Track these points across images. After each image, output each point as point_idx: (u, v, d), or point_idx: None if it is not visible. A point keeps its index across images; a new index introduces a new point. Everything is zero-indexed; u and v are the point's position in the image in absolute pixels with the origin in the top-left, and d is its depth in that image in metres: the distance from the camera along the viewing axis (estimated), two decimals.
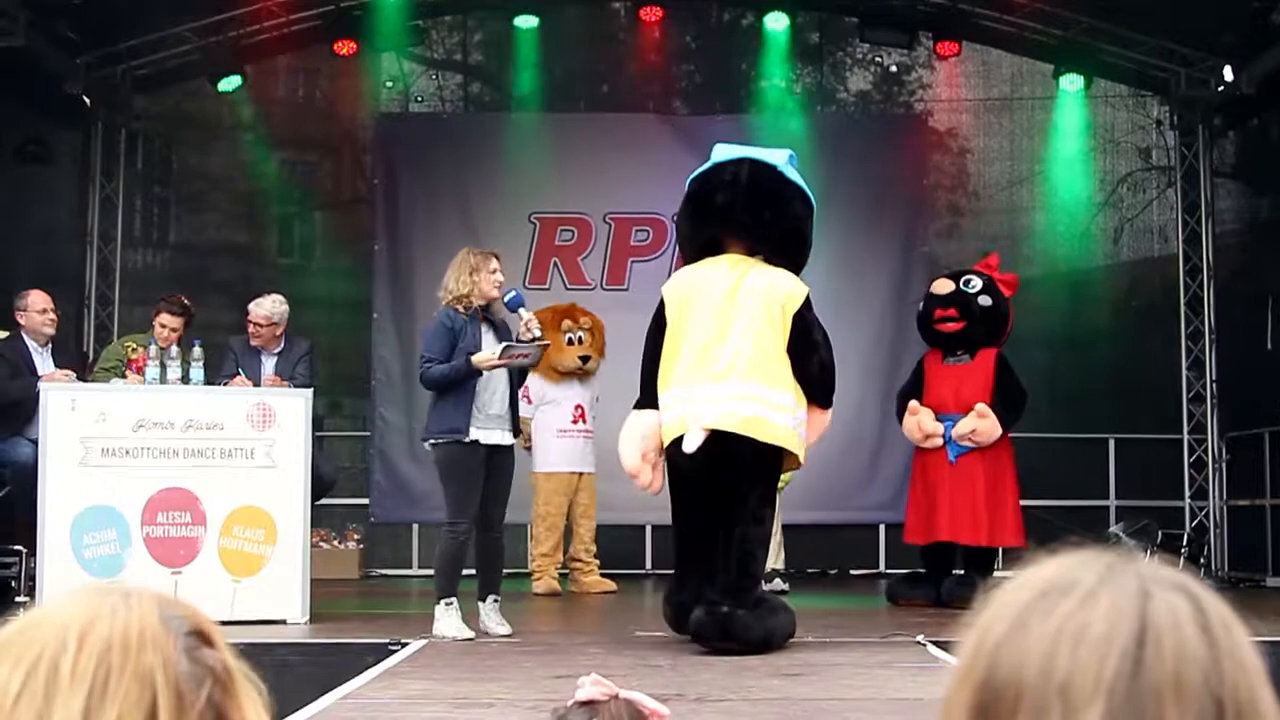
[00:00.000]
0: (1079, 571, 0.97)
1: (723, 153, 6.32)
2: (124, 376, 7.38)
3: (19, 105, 9.87)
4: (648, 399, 6.16)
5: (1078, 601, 0.94)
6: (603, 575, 9.49)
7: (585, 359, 9.33)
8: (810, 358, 6.04)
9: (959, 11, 10.95)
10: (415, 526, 10.84)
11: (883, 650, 5.95)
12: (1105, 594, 0.94)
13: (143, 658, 0.99)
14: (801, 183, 6.26)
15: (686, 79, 12.29)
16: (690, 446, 5.80)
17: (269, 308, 7.91)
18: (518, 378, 6.70)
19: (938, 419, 8.20)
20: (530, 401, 9.33)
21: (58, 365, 7.75)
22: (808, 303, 6.07)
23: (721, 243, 6.24)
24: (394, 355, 11.04)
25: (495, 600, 6.59)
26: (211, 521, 6.86)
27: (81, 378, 7.64)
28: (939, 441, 8.18)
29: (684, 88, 12.22)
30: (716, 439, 5.81)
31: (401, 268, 11.04)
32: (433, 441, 6.45)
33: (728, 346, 5.94)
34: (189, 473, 6.84)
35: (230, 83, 10.84)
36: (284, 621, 6.84)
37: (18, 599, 7.15)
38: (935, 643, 5.99)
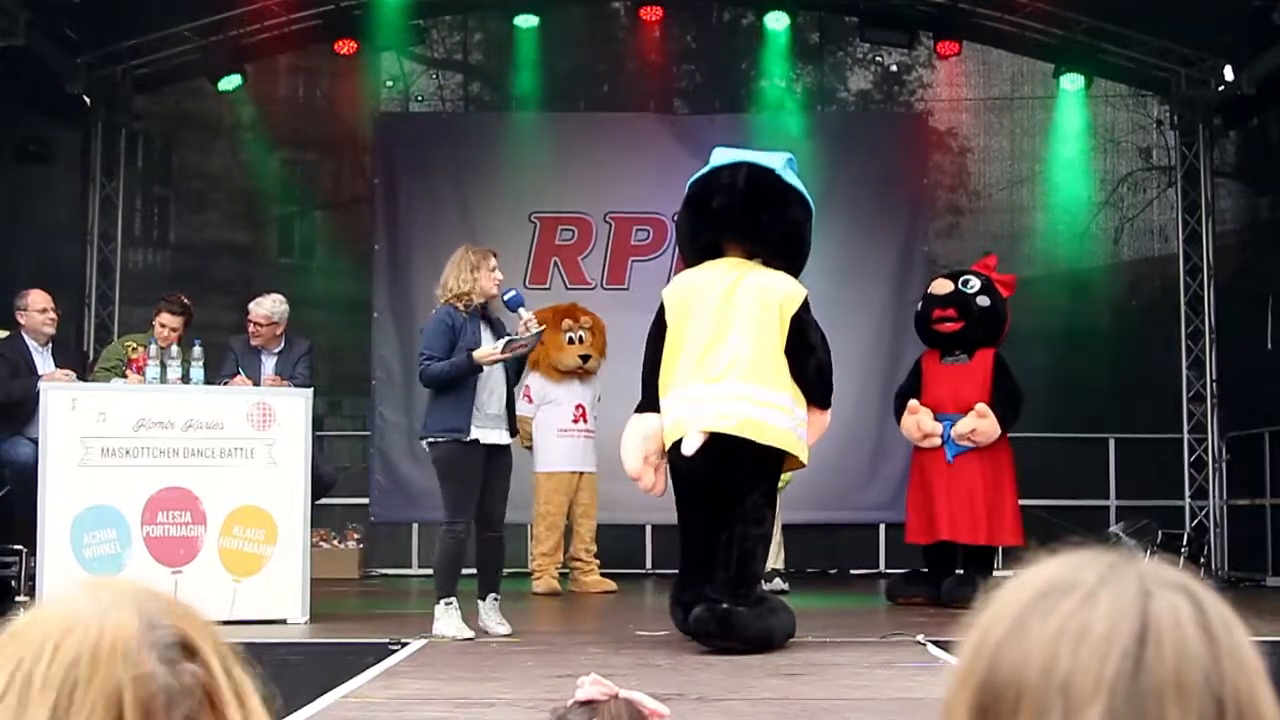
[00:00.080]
0: (1080, 571, 0.97)
1: (721, 156, 6.35)
2: (124, 376, 7.38)
3: (19, 105, 9.87)
4: (649, 402, 6.20)
5: (1078, 601, 0.94)
6: (603, 575, 9.49)
7: (585, 358, 9.33)
8: (807, 359, 6.06)
9: (959, 11, 10.95)
10: (415, 526, 10.84)
11: (883, 650, 5.95)
12: (1106, 594, 0.94)
13: (111, 671, 0.97)
14: (800, 186, 6.28)
15: (686, 79, 12.29)
16: (689, 449, 5.83)
17: (269, 307, 7.91)
18: (514, 377, 6.70)
19: (935, 419, 8.21)
20: (531, 401, 9.34)
21: (58, 365, 7.75)
22: (805, 304, 6.10)
23: (721, 246, 6.28)
24: (394, 355, 11.05)
25: (495, 599, 6.60)
26: (211, 521, 6.86)
27: (81, 377, 7.64)
28: (937, 441, 8.19)
29: (684, 87, 12.22)
30: (715, 440, 5.83)
31: (401, 267, 11.04)
32: (431, 440, 6.45)
33: (726, 348, 5.97)
34: (189, 472, 6.84)
35: (230, 82, 10.83)
36: (284, 621, 6.84)
37: (18, 599, 7.15)
38: (935, 642, 5.99)
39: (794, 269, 6.29)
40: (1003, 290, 8.50)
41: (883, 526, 10.85)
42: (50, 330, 7.93)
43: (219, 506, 6.87)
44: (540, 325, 6.63)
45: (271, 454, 6.93)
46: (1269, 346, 10.01)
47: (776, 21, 11.06)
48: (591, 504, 9.41)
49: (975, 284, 8.44)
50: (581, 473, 9.35)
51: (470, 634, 6.33)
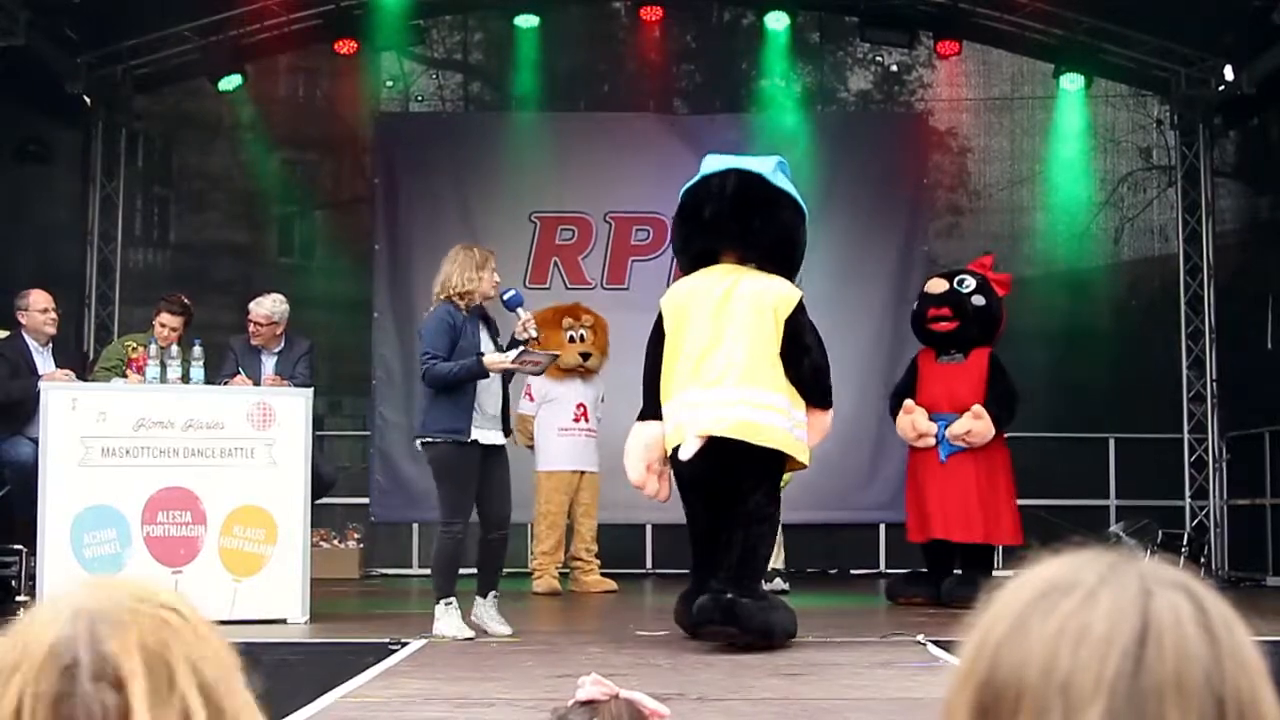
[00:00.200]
0: (1080, 571, 0.97)
1: (711, 164, 6.41)
2: (124, 376, 7.38)
3: (19, 105, 9.87)
4: (651, 409, 6.28)
5: (1079, 601, 0.94)
6: (603, 575, 9.49)
7: (586, 356, 9.33)
8: (802, 361, 6.11)
9: (959, 11, 10.95)
10: (415, 526, 10.84)
11: (883, 650, 5.94)
12: (1106, 593, 0.94)
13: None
14: (790, 189, 6.34)
15: (686, 78, 12.29)
16: (686, 454, 5.90)
17: (269, 307, 7.91)
18: (510, 376, 6.70)
19: (930, 418, 8.22)
20: (532, 399, 9.36)
21: (58, 365, 7.75)
22: (800, 306, 6.16)
23: (715, 253, 6.35)
24: (394, 354, 11.05)
25: (495, 597, 6.60)
26: (212, 521, 6.86)
27: (81, 377, 7.64)
28: (931, 441, 8.21)
29: (684, 87, 12.22)
30: (714, 444, 5.90)
31: (401, 267, 11.04)
32: (429, 440, 6.44)
33: (721, 353, 6.03)
34: (189, 472, 6.84)
35: (230, 82, 10.83)
36: (284, 621, 6.84)
37: (18, 598, 7.15)
38: (935, 642, 5.99)
39: (788, 272, 6.35)
40: (998, 290, 8.52)
41: (883, 526, 10.86)
42: (51, 330, 7.93)
43: (219, 506, 6.87)
44: (539, 337, 6.66)
45: (271, 454, 6.93)
46: (1269, 346, 10.01)
47: (776, 21, 11.07)
48: (593, 503, 9.41)
49: (971, 283, 8.46)
50: (582, 472, 9.36)
51: (470, 634, 6.33)
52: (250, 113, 11.18)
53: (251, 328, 7.92)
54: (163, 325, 7.83)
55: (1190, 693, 0.90)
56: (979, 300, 8.41)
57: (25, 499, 7.03)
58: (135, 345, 7.61)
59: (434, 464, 6.47)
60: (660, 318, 6.34)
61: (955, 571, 8.26)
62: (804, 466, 6.28)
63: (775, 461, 6.08)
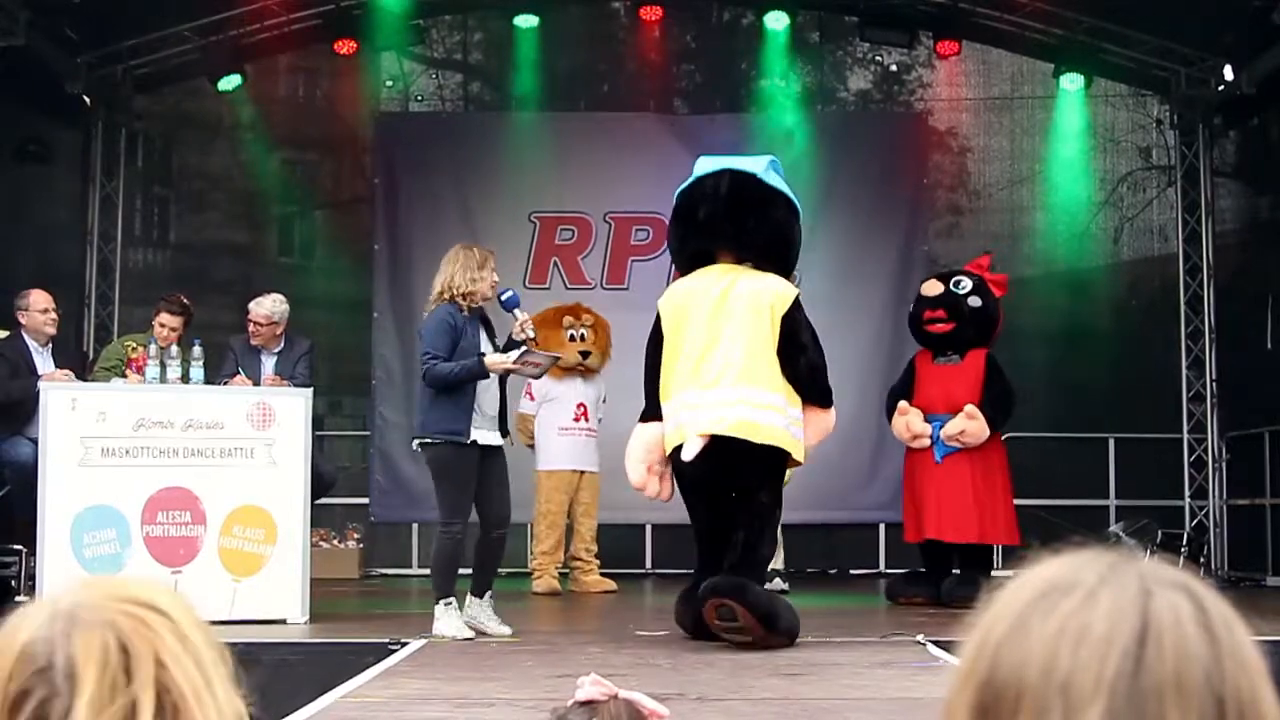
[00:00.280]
0: (1080, 571, 0.97)
1: (704, 166, 6.46)
2: (124, 376, 7.38)
3: (19, 105, 9.87)
4: (651, 411, 6.33)
5: (1079, 601, 0.94)
6: (603, 574, 9.49)
7: (586, 355, 9.34)
8: (798, 359, 6.14)
9: (959, 10, 10.95)
10: (415, 526, 10.84)
11: (883, 650, 5.94)
12: (1106, 593, 0.94)
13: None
14: (784, 187, 6.38)
15: (686, 78, 12.29)
16: (689, 454, 5.93)
17: (269, 307, 7.91)
18: (507, 377, 6.70)
19: (926, 419, 8.23)
20: (533, 398, 9.36)
21: (58, 365, 7.75)
22: (796, 304, 6.19)
23: (711, 253, 6.38)
24: (394, 354, 11.05)
25: (490, 597, 6.59)
26: (211, 521, 6.85)
27: (81, 377, 7.64)
28: (926, 442, 8.23)
29: (684, 87, 12.22)
30: (716, 444, 5.93)
31: (401, 267, 11.04)
32: (428, 441, 6.43)
33: (719, 353, 6.07)
34: (189, 472, 6.84)
35: (230, 82, 10.83)
36: (284, 621, 6.83)
37: (18, 599, 7.15)
38: (935, 642, 5.99)
39: (784, 270, 6.40)
40: (995, 290, 8.52)
41: (883, 526, 10.85)
42: (51, 330, 7.93)
43: (219, 506, 6.87)
44: (536, 339, 6.67)
45: (271, 454, 6.93)
46: (1269, 346, 10.01)
47: (776, 21, 11.07)
48: (593, 503, 9.41)
49: (967, 284, 8.46)
50: (582, 471, 9.36)
51: (470, 634, 6.33)
52: (250, 113, 11.18)
53: (251, 328, 7.92)
54: (162, 325, 7.83)
55: (1190, 692, 0.90)
56: (975, 302, 8.41)
57: (25, 499, 7.03)
58: (135, 345, 7.60)
59: (433, 464, 6.47)
60: (658, 319, 6.37)
61: (954, 571, 8.27)
62: (799, 464, 6.30)
63: (777, 460, 6.10)
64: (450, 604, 6.37)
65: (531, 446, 9.34)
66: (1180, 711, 0.90)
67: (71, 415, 6.73)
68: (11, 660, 1.01)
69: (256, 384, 7.60)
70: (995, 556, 8.93)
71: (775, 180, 6.34)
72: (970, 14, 10.99)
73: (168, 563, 6.77)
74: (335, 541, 10.48)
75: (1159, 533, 9.77)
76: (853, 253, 10.94)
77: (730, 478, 6.06)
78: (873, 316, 10.96)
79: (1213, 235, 11.07)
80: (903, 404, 8.35)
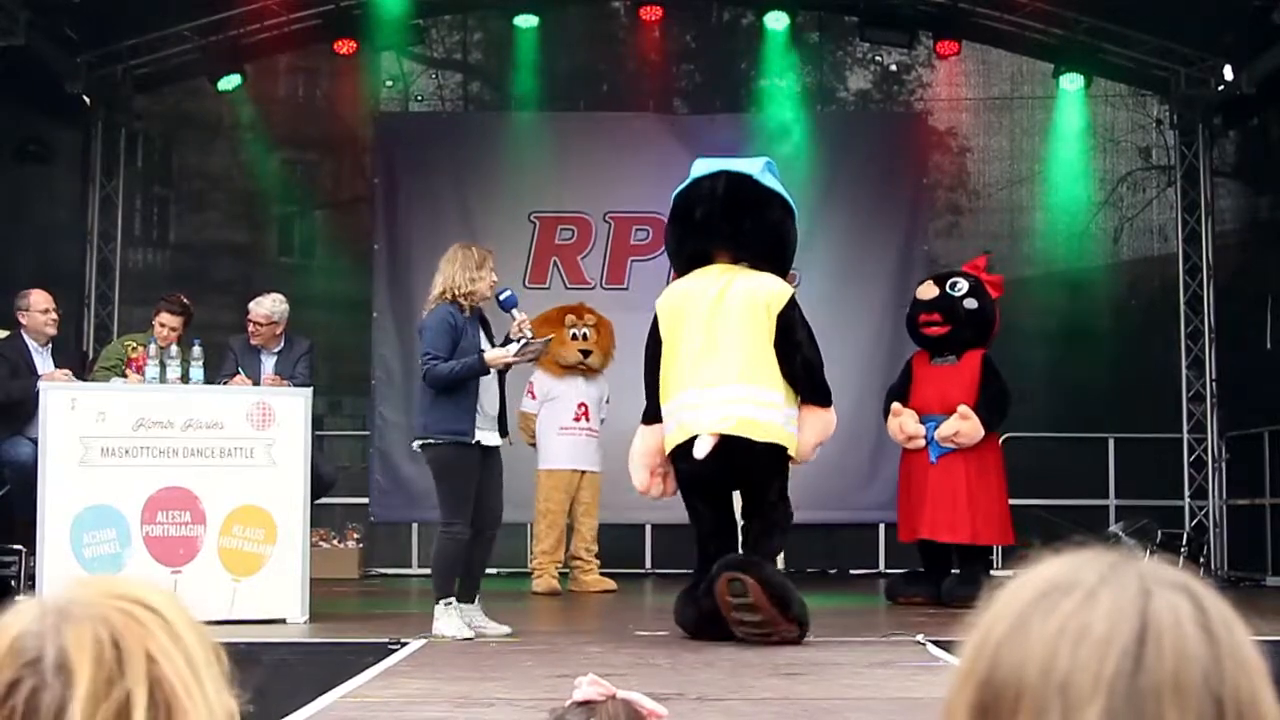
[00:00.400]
0: (1080, 571, 0.97)
1: (701, 168, 6.52)
2: (124, 376, 7.38)
3: (19, 105, 9.87)
4: (653, 413, 6.39)
5: (1079, 601, 0.94)
6: (602, 574, 9.49)
7: (587, 354, 9.34)
8: (793, 356, 6.19)
9: (959, 10, 10.95)
10: (415, 526, 10.84)
11: (883, 650, 5.95)
12: (1106, 593, 0.94)
13: None
14: (779, 188, 6.45)
15: (686, 78, 12.29)
16: (701, 452, 5.95)
17: (269, 307, 7.91)
18: (505, 376, 6.69)
19: (922, 420, 8.25)
20: (535, 397, 9.36)
21: (57, 365, 7.75)
22: (792, 302, 6.25)
23: (708, 254, 6.44)
24: (394, 354, 11.05)
25: (479, 600, 6.58)
26: (211, 521, 6.85)
27: (81, 377, 7.64)
28: (921, 443, 8.24)
29: (684, 87, 12.22)
30: (721, 443, 5.96)
31: (401, 267, 11.04)
32: (430, 441, 6.43)
33: (719, 353, 6.12)
34: (189, 472, 6.84)
35: (230, 82, 10.82)
36: (284, 621, 6.83)
37: (18, 598, 7.13)
38: (935, 642, 5.99)
39: (780, 269, 6.46)
40: (991, 291, 8.53)
41: (882, 526, 10.85)
42: (52, 331, 7.93)
43: (219, 506, 6.86)
44: (545, 337, 6.68)
45: (271, 454, 6.93)
46: (1269, 346, 10.00)
47: (776, 21, 11.07)
48: (593, 503, 9.41)
49: (963, 286, 8.47)
50: (583, 471, 9.35)
51: (470, 634, 6.32)
52: (250, 113, 11.18)
53: (251, 327, 7.92)
54: (162, 325, 7.83)
55: (1188, 693, 0.90)
56: (971, 303, 8.42)
57: (25, 499, 7.03)
58: (135, 345, 7.60)
59: (434, 464, 6.46)
60: (656, 320, 6.42)
61: (954, 571, 8.27)
62: (794, 461, 6.33)
63: (779, 457, 6.15)
64: (450, 604, 6.36)
65: (533, 445, 9.35)
66: (1179, 711, 0.90)
67: (71, 415, 6.73)
68: (0, 654, 1.01)
69: (256, 384, 7.59)
70: (995, 556, 8.93)
71: (771, 181, 6.40)
72: (970, 14, 10.99)
73: (167, 562, 6.77)
74: (335, 541, 10.48)
75: (1159, 533, 9.77)
76: (852, 253, 10.95)
77: (735, 476, 6.14)
78: (872, 316, 10.96)
79: (1212, 235, 11.07)
80: (896, 405, 8.38)
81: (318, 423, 9.16)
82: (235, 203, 11.67)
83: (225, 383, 7.52)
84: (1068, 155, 11.31)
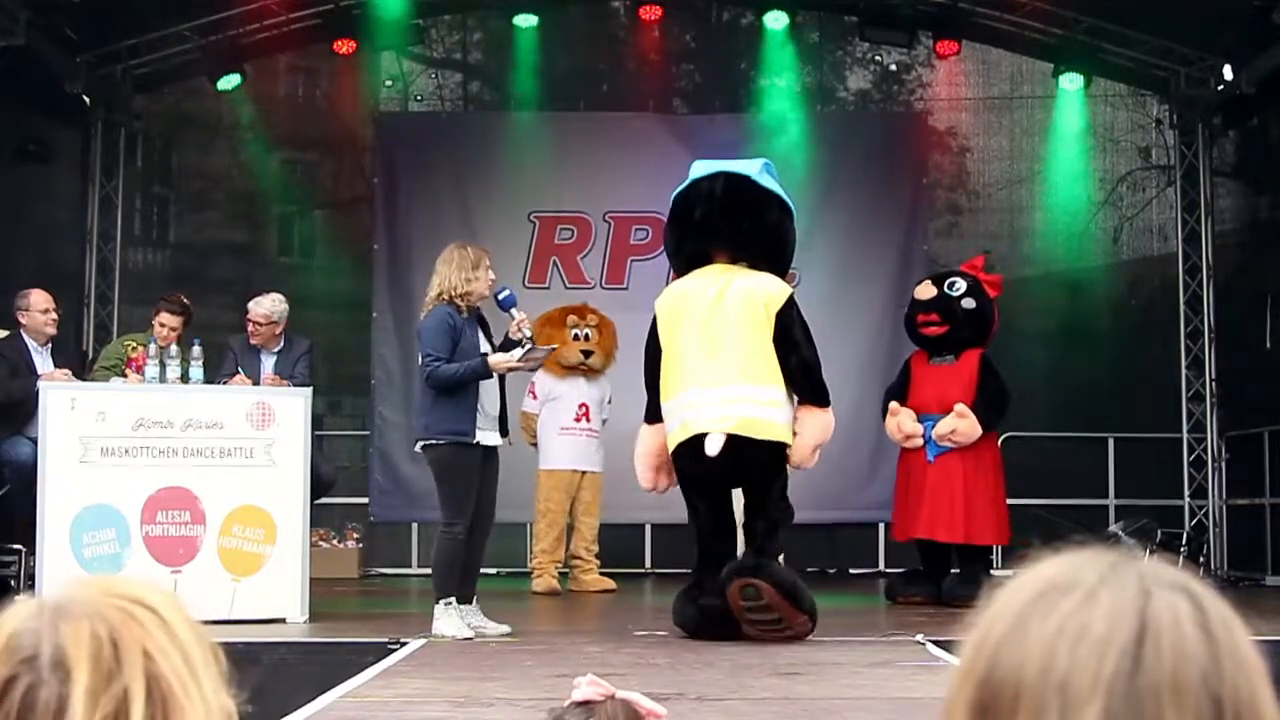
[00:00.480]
0: (1080, 571, 0.97)
1: (700, 169, 6.55)
2: (124, 375, 7.38)
3: (19, 105, 9.87)
4: (655, 413, 6.42)
5: (1078, 601, 0.94)
6: (602, 574, 9.49)
7: (588, 354, 9.34)
8: (790, 356, 6.22)
9: (959, 10, 10.95)
10: (415, 526, 10.84)
11: (883, 650, 5.95)
12: (1105, 593, 0.94)
13: None
14: (777, 189, 6.48)
15: (686, 78, 12.29)
16: (712, 450, 5.98)
17: (268, 306, 7.91)
18: (506, 376, 6.69)
19: (920, 419, 8.25)
20: (536, 398, 9.37)
21: (57, 364, 7.75)
22: (790, 301, 6.28)
23: (707, 254, 6.47)
24: (394, 354, 11.04)
25: (475, 600, 6.58)
26: (211, 521, 6.85)
27: (80, 377, 7.64)
28: (919, 442, 8.25)
29: (684, 87, 12.22)
30: (727, 442, 6.00)
31: (401, 267, 11.04)
32: (432, 442, 6.42)
33: (719, 353, 6.15)
34: (188, 472, 6.84)
35: (230, 82, 10.82)
36: (283, 621, 6.84)
37: (17, 598, 7.14)
38: (935, 642, 5.99)
39: (779, 269, 6.50)
40: (990, 291, 8.53)
41: (882, 526, 10.82)
42: (52, 331, 7.93)
43: (218, 506, 6.86)
44: (533, 337, 6.67)
45: (271, 454, 6.93)
46: (1268, 346, 10.00)
47: (776, 21, 11.06)
48: (594, 502, 9.41)
49: (961, 286, 8.47)
50: (584, 471, 9.35)
51: (470, 634, 6.32)
52: (250, 112, 11.17)
53: (251, 327, 7.92)
54: (162, 325, 7.83)
55: (1187, 693, 0.90)
56: (969, 303, 8.42)
57: (25, 499, 7.03)
58: (135, 345, 7.61)
59: (435, 465, 6.45)
60: (655, 321, 6.44)
61: (954, 570, 8.27)
62: (791, 464, 6.36)
63: (779, 455, 6.20)
64: (450, 604, 6.36)
65: (534, 445, 9.35)
66: (1177, 712, 0.90)
67: (71, 415, 6.73)
68: None
69: (256, 384, 7.59)
70: (995, 555, 8.93)
71: (769, 182, 6.44)
72: (970, 14, 10.99)
73: (167, 562, 6.77)
74: (335, 541, 10.48)
75: (1159, 532, 9.77)
76: (852, 252, 10.95)
77: (739, 475, 6.20)
78: (872, 316, 10.96)
79: (1212, 235, 11.07)
80: (893, 405, 8.39)
81: (317, 423, 9.16)
82: (235, 203, 11.67)
83: (225, 383, 7.52)
84: (1067, 155, 11.31)
